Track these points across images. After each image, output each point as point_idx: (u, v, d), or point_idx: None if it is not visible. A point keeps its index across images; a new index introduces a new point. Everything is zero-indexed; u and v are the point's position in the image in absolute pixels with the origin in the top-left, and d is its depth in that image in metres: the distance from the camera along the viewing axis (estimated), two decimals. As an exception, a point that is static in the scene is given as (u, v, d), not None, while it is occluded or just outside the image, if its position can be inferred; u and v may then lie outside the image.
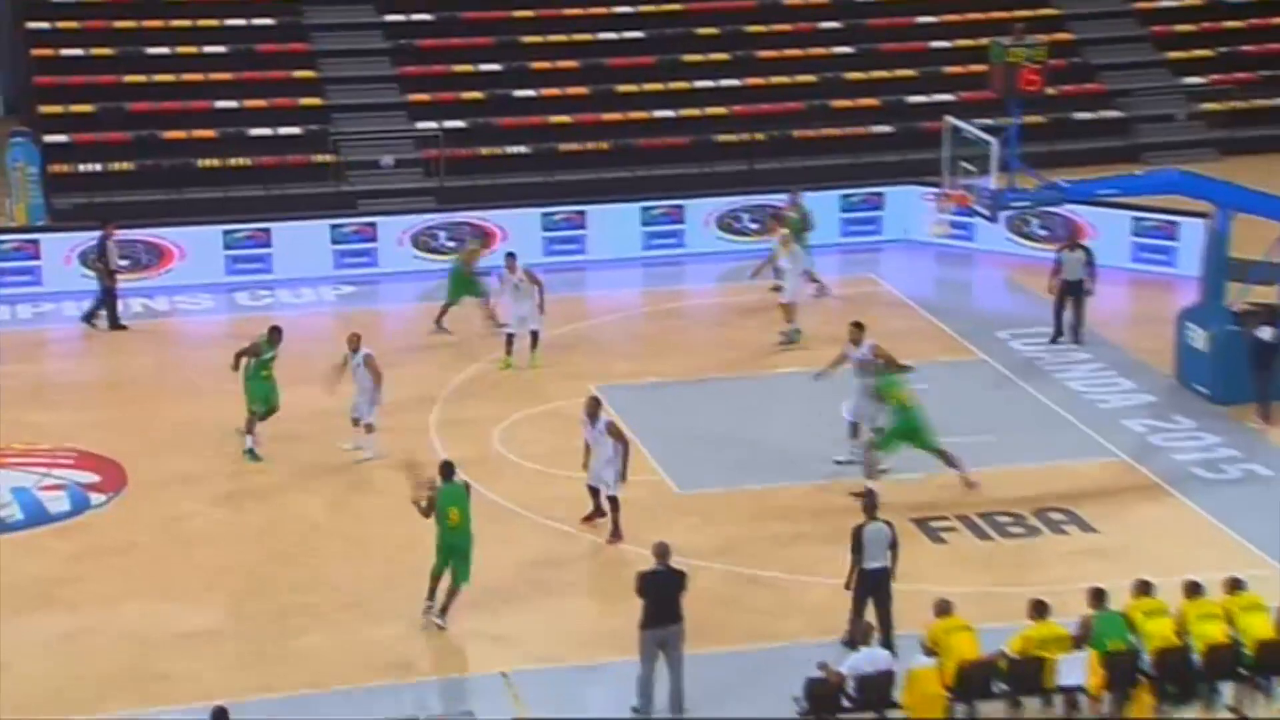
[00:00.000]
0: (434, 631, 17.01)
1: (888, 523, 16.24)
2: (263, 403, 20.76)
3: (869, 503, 16.31)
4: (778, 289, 24.80)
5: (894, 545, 16.20)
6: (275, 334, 21.04)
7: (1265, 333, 21.50)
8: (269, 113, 31.19)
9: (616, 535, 18.38)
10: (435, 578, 17.06)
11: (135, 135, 30.58)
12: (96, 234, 25.61)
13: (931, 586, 17.39)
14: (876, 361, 19.86)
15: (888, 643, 15.89)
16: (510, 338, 23.48)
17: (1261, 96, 33.62)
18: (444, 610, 17.02)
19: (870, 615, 16.02)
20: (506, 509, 19.49)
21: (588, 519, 18.85)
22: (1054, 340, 24.06)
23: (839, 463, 20.10)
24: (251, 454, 20.63)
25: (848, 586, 16.23)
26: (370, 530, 19.11)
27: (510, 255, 23.82)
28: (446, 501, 16.97)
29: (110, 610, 17.47)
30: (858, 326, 20.29)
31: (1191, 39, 34.77)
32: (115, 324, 25.26)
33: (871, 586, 16.08)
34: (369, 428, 20.63)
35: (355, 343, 20.79)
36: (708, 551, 18.31)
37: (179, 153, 30.45)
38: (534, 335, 23.44)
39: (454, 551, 16.98)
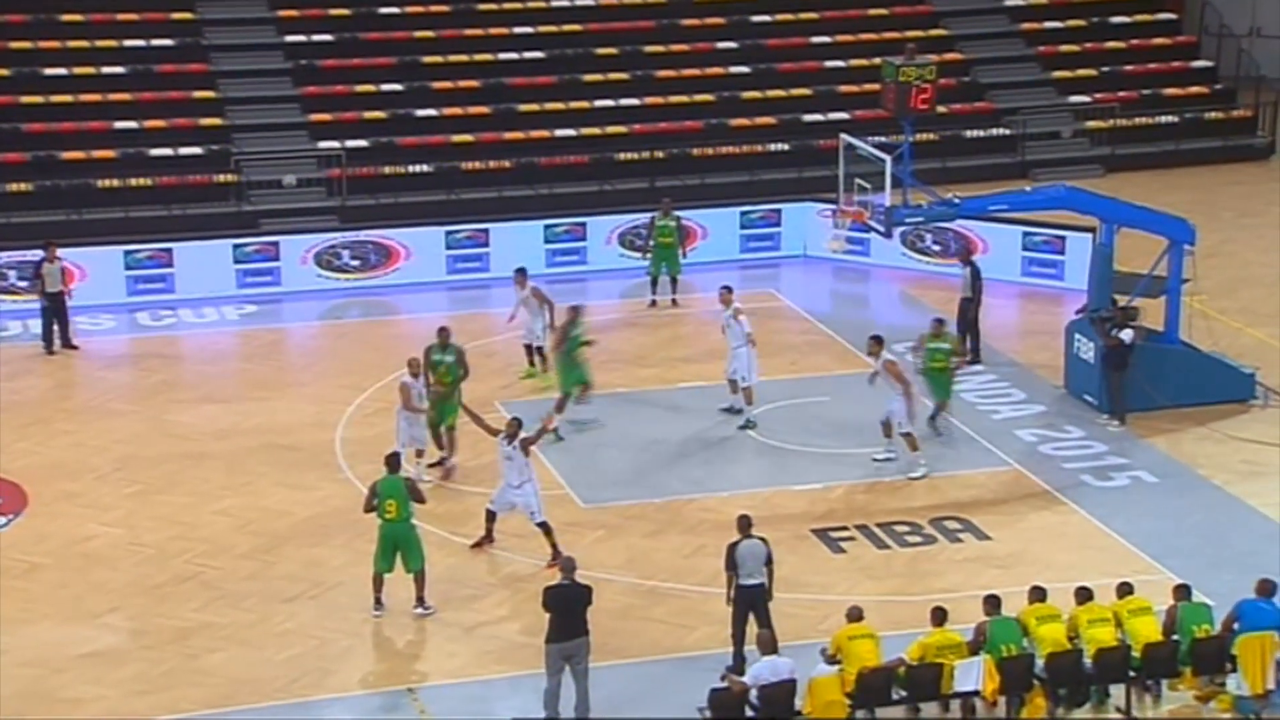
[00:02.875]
0: (339, 648, 16.89)
1: (762, 539, 16.37)
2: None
3: (743, 521, 16.43)
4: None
5: (769, 561, 16.29)
6: (443, 333, 20.46)
7: (1127, 334, 21.94)
8: (169, 133, 30.82)
9: (557, 558, 17.76)
10: (379, 579, 17.28)
11: (33, 156, 30.09)
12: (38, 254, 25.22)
13: (832, 596, 17.55)
14: (888, 377, 20.51)
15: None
16: (529, 348, 23.52)
17: (1143, 114, 34.31)
18: (422, 599, 17.27)
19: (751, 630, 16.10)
20: (413, 524, 19.36)
21: (477, 545, 18.72)
22: (970, 363, 24.08)
23: (876, 460, 20.62)
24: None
25: (729, 603, 16.32)
26: (276, 549, 18.92)
27: (520, 270, 23.75)
28: (386, 494, 17.27)
29: (12, 633, 17.16)
30: (876, 341, 20.93)
31: (1076, 58, 35.40)
32: (49, 347, 24.76)
33: (749, 603, 16.17)
34: (421, 453, 20.04)
35: (416, 368, 19.88)
36: (613, 565, 18.33)
37: (78, 173, 30.00)
38: (539, 351, 23.39)
39: (399, 542, 17.22)
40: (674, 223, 26.49)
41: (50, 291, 24.85)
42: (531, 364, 23.60)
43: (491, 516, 18.62)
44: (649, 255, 26.69)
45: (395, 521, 17.31)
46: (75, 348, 24.94)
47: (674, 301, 26.24)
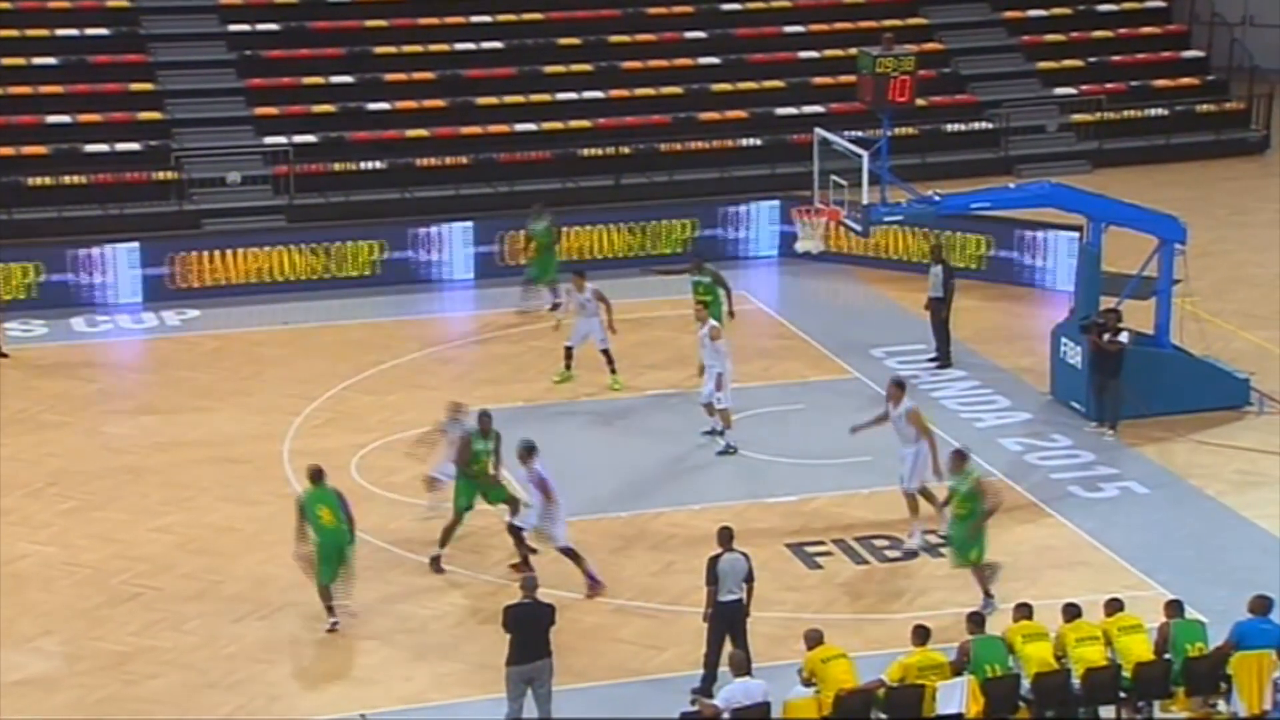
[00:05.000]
0: (287, 672, 16.83)
1: (743, 554, 16.39)
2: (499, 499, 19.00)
3: (725, 534, 16.46)
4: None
5: (750, 578, 16.32)
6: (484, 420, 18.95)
7: (1123, 337, 22.06)
8: (105, 127, 30.67)
9: (522, 569, 17.97)
10: (325, 591, 17.41)
11: (-41, 152, 29.95)
12: None
13: (807, 614, 17.57)
14: (908, 427, 19.20)
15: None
16: (569, 350, 23.50)
17: (1132, 107, 34.52)
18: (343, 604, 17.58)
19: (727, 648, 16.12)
20: (366, 541, 19.32)
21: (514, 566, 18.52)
22: (933, 359, 24.31)
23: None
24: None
25: (705, 619, 16.34)
26: (221, 568, 18.84)
27: (579, 273, 23.75)
28: (315, 503, 17.40)
29: (-62, 659, 17.04)
30: (899, 386, 19.49)
31: (1061, 49, 35.60)
32: None
33: (728, 620, 16.20)
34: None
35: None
36: (577, 582, 18.32)
37: (6, 170, 29.82)
38: (606, 354, 23.35)
39: (342, 549, 17.47)
40: (544, 224, 26.16)
41: None
42: (568, 368, 23.53)
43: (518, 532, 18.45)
44: (530, 261, 26.33)
45: (333, 528, 17.36)
46: (4, 356, 24.81)
47: (555, 306, 25.73)
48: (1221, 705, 15.68)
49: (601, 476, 20.87)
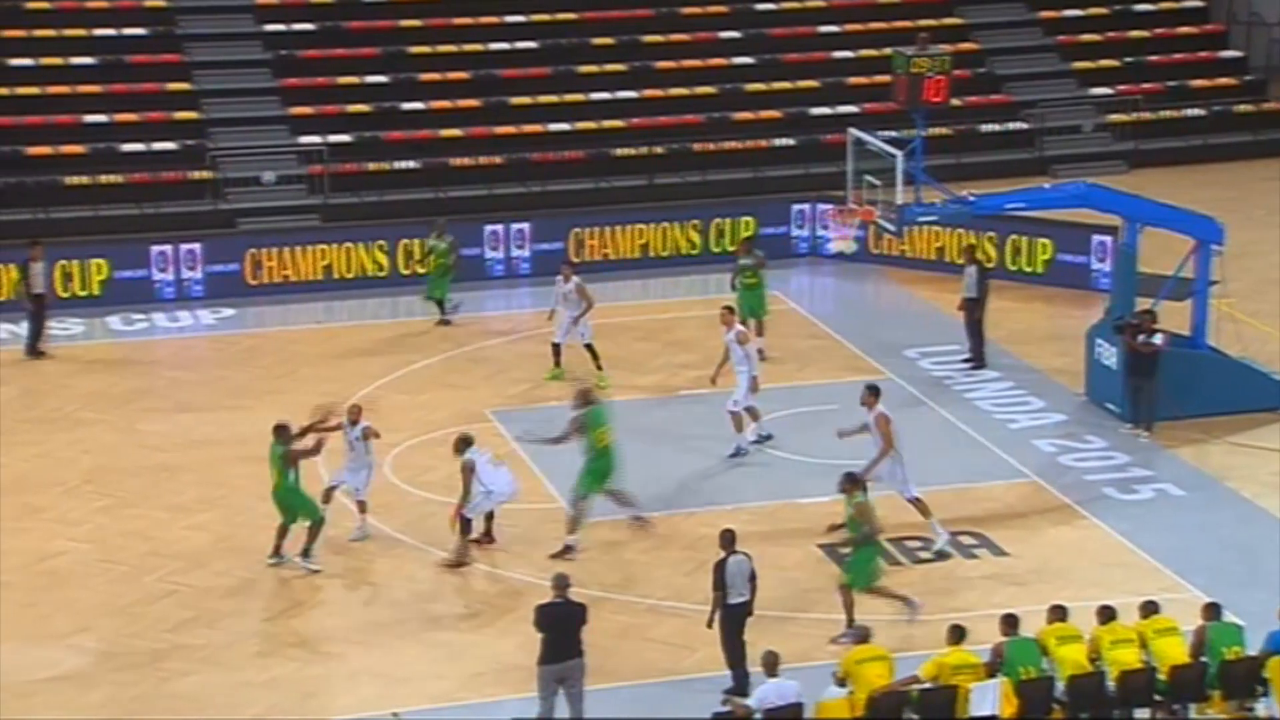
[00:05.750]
0: (320, 670, 16.88)
1: (747, 555, 16.40)
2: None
3: (727, 536, 16.44)
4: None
5: (753, 578, 16.36)
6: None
7: (1158, 338, 21.95)
8: (142, 127, 30.84)
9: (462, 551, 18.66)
10: (283, 532, 18.58)
11: (-3, 151, 30.16)
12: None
13: (840, 615, 17.52)
14: (877, 432, 19.10)
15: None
16: (557, 347, 23.53)
17: (1169, 107, 34.34)
18: (307, 552, 18.49)
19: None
20: (399, 540, 19.40)
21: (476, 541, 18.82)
22: (967, 360, 24.24)
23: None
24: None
25: (710, 625, 16.32)
26: (253, 567, 18.90)
27: (566, 264, 23.92)
28: (270, 462, 18.49)
29: (-25, 655, 17.15)
30: (873, 392, 19.37)
31: (1098, 48, 35.44)
32: (33, 350, 24.80)
33: (739, 621, 16.24)
34: (363, 505, 19.54)
35: (356, 414, 19.51)
36: (609, 582, 18.33)
37: (45, 169, 30.03)
38: (590, 349, 23.43)
39: (284, 507, 18.46)
40: (446, 244, 25.75)
41: (35, 293, 24.88)
42: (558, 364, 23.53)
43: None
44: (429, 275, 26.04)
45: (274, 491, 18.38)
46: (42, 354, 24.94)
47: (444, 322, 25.62)
48: (1259, 708, 15.58)
49: (634, 477, 20.82)
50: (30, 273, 24.96)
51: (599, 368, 23.47)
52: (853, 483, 17.58)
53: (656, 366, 24.24)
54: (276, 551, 18.73)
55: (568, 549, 18.77)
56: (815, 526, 19.38)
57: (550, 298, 24.00)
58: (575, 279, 23.49)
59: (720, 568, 16.23)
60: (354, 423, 19.37)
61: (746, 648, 16.11)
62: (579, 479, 18.93)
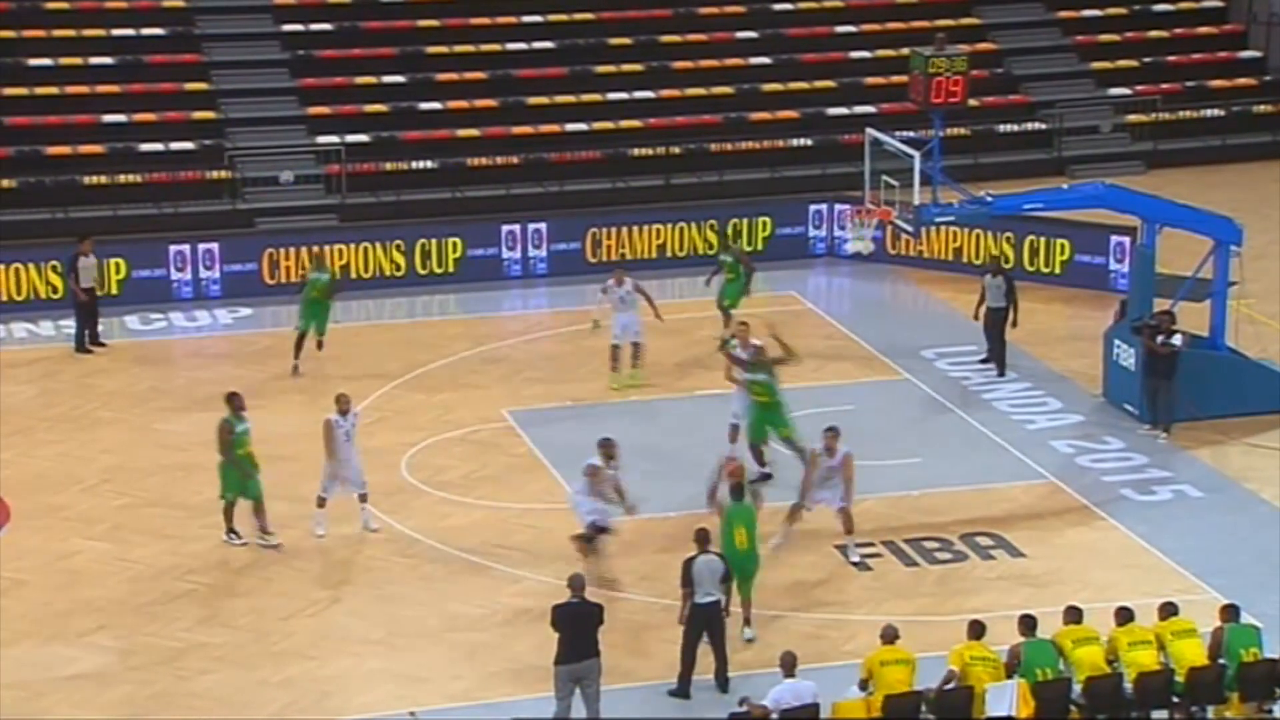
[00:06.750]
0: (337, 669, 16.91)
1: (720, 555, 16.41)
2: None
3: (701, 535, 16.45)
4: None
5: (727, 578, 16.39)
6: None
7: (1177, 340, 21.89)
8: (160, 127, 30.91)
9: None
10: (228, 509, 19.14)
11: (16, 151, 30.20)
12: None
13: (856, 616, 17.53)
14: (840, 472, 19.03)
15: (723, 679, 16.17)
16: (615, 350, 23.54)
17: (1187, 108, 34.25)
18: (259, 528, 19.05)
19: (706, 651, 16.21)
20: (415, 540, 19.43)
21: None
22: (985, 361, 24.19)
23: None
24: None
25: (681, 621, 16.35)
26: (271, 564, 18.94)
27: (619, 267, 24.00)
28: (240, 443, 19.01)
29: (-6, 653, 17.22)
30: (833, 433, 18.92)
31: (1116, 48, 35.36)
32: (80, 346, 24.95)
33: (704, 621, 16.23)
34: (364, 497, 19.47)
35: (346, 404, 19.39)
36: (626, 581, 18.32)
37: (64, 169, 30.11)
38: (635, 347, 23.51)
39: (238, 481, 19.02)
40: (327, 276, 24.51)
41: (85, 287, 25.00)
42: (615, 369, 23.57)
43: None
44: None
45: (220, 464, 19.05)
46: (103, 345, 25.07)
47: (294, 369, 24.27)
48: (1277, 710, 15.54)
49: (650, 476, 20.84)
50: (79, 268, 25.05)
51: (614, 369, 23.51)
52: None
53: (673, 366, 24.23)
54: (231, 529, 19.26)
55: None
56: (829, 527, 19.36)
57: (573, 300, 23.93)
58: (629, 279, 23.53)
59: (688, 566, 16.26)
60: (344, 413, 19.37)
61: (726, 650, 15.99)
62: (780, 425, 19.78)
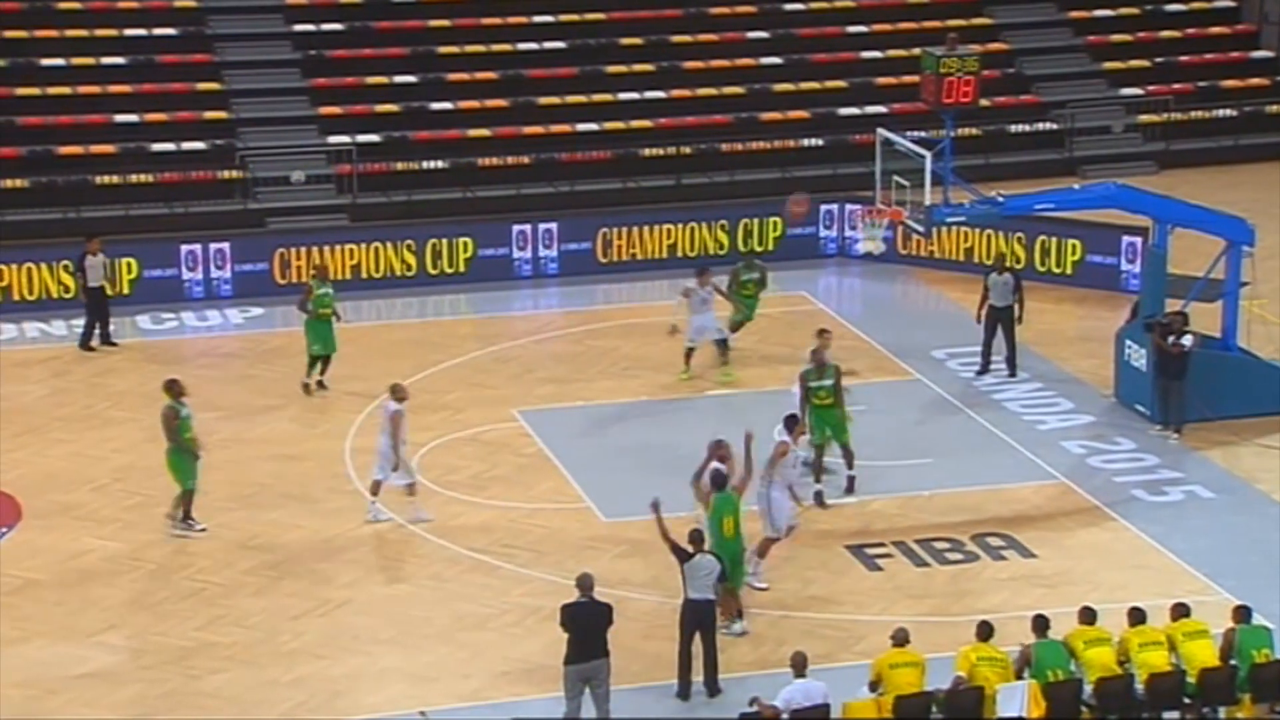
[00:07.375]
0: (347, 669, 16.93)
1: (715, 555, 16.41)
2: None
3: (695, 535, 16.48)
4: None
5: (723, 578, 16.46)
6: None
7: (1188, 340, 21.85)
8: (171, 127, 30.95)
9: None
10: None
11: (28, 151, 30.24)
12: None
13: (867, 616, 17.52)
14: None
15: (713, 680, 16.20)
16: (690, 351, 23.65)
17: (1199, 108, 34.18)
18: (182, 517, 19.29)
19: (698, 649, 16.25)
20: (426, 539, 19.44)
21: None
22: (980, 374, 23.98)
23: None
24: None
25: (663, 535, 16.56)
26: (282, 564, 18.96)
27: (702, 269, 24.08)
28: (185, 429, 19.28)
29: (4, 652, 17.22)
30: (793, 419, 19.15)
31: (1128, 48, 35.30)
32: (85, 344, 25.02)
33: (697, 619, 16.25)
34: (376, 487, 19.67)
35: (405, 394, 19.67)
36: (636, 582, 18.34)
37: (75, 169, 30.15)
38: (721, 344, 23.68)
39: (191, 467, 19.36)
40: (332, 291, 23.74)
41: (92, 286, 25.03)
42: (687, 367, 23.68)
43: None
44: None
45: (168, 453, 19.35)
46: (115, 345, 25.09)
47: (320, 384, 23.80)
48: (1287, 712, 15.53)
49: (663, 476, 20.82)
50: (86, 267, 25.09)
51: (722, 356, 23.76)
52: (721, 487, 17.41)
53: (680, 366, 24.15)
54: (188, 516, 19.47)
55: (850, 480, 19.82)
56: (841, 528, 19.36)
57: (583, 300, 23.90)
58: (714, 281, 23.65)
59: (683, 565, 16.29)
60: (401, 400, 19.62)
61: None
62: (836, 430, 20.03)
